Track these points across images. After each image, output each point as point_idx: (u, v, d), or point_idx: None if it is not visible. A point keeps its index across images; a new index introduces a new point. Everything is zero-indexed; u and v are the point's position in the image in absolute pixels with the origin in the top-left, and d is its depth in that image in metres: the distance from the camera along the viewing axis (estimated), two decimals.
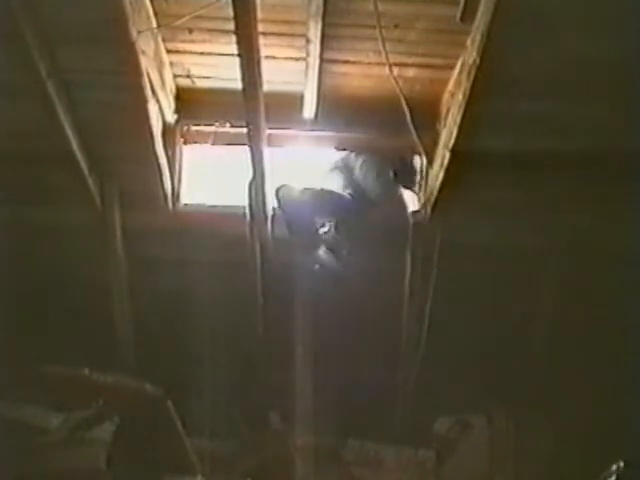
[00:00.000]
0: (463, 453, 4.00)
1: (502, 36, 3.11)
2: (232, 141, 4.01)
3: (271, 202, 3.91)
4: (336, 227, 3.86)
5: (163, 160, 3.89)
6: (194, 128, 4.08)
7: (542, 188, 3.82)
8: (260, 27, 3.28)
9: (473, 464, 3.98)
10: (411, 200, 4.04)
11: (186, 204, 4.11)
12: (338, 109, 3.91)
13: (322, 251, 3.94)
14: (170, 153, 3.97)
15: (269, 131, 3.72)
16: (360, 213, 3.85)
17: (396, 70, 3.70)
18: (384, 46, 3.55)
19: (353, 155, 3.95)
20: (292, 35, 3.58)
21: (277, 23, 3.52)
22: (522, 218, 3.97)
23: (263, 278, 4.02)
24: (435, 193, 3.90)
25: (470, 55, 3.28)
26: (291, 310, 3.87)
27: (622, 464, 3.12)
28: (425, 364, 4.25)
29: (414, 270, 4.06)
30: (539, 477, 3.89)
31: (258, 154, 3.64)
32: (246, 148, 3.67)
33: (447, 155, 3.69)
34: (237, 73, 3.33)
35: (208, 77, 3.88)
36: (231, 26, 3.15)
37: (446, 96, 3.82)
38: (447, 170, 3.74)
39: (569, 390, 3.99)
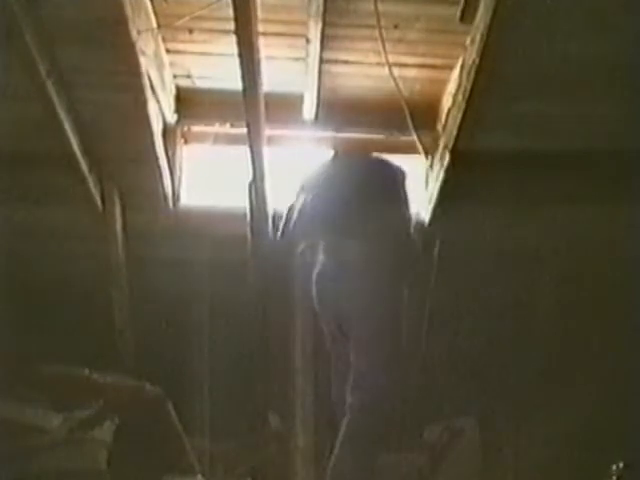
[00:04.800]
0: (455, 459, 3.99)
1: (502, 36, 3.11)
2: (232, 141, 4.01)
3: (271, 202, 3.92)
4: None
5: (163, 160, 3.89)
6: (194, 128, 4.08)
7: (542, 188, 3.82)
8: (260, 27, 3.29)
9: (467, 469, 3.97)
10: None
11: (186, 204, 4.11)
12: (338, 109, 3.92)
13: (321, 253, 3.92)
14: (170, 153, 3.98)
15: (269, 131, 3.73)
16: None
17: (396, 70, 3.71)
18: (384, 46, 3.56)
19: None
20: (292, 35, 3.59)
21: (277, 23, 3.52)
22: (522, 218, 3.97)
23: (263, 278, 4.02)
24: (435, 193, 3.90)
25: (470, 55, 3.28)
26: (291, 310, 3.86)
27: (622, 465, 3.12)
28: (425, 365, 4.25)
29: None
30: (539, 477, 3.89)
31: (258, 154, 3.65)
32: (246, 148, 3.67)
33: (447, 155, 3.69)
34: (237, 73, 3.33)
35: (208, 77, 3.88)
36: (231, 26, 3.16)
37: (446, 96, 3.82)
38: (447, 170, 3.74)
39: (569, 390, 3.99)
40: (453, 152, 3.64)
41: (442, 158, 3.77)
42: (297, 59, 3.70)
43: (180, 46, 3.69)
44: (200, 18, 3.43)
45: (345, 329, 3.52)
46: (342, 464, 3.31)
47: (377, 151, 4.08)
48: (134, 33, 3.24)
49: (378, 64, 3.69)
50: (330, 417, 3.68)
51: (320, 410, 3.82)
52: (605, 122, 3.49)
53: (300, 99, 3.90)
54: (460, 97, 3.45)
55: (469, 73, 3.31)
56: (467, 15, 3.30)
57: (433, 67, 3.77)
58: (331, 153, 4.04)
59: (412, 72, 3.78)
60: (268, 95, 3.56)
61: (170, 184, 4.01)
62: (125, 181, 3.93)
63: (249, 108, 3.47)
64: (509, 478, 3.94)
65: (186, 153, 4.13)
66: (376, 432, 3.40)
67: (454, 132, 3.58)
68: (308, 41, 3.54)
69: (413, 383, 4.09)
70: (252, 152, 3.65)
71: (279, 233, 3.81)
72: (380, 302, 3.46)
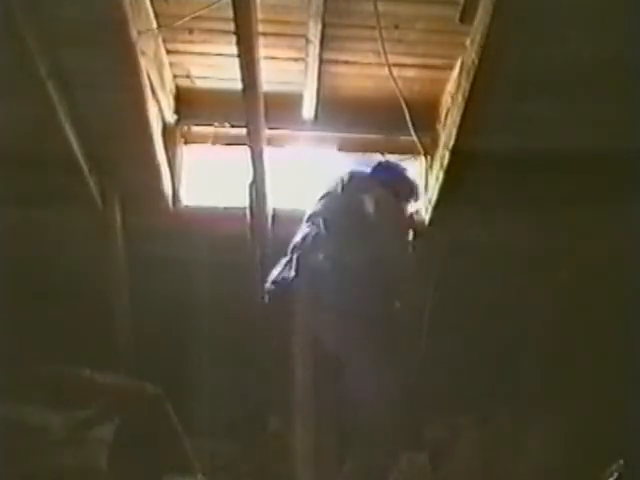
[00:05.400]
0: (457, 455, 3.99)
1: (502, 36, 3.11)
2: (232, 141, 4.02)
3: (271, 202, 3.92)
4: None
5: (163, 160, 3.90)
6: (194, 128, 4.09)
7: (542, 188, 3.82)
8: (260, 27, 3.30)
9: (468, 466, 3.97)
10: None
11: (186, 204, 4.11)
12: (338, 109, 3.92)
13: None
14: (170, 153, 3.98)
15: (269, 131, 3.73)
16: None
17: (396, 70, 3.71)
18: (384, 46, 3.56)
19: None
20: (292, 35, 3.59)
21: (277, 23, 3.53)
22: (522, 218, 3.97)
23: (263, 278, 4.02)
24: (435, 193, 3.90)
25: (469, 55, 3.28)
26: (291, 310, 3.86)
27: (622, 464, 3.11)
28: (425, 365, 4.25)
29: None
30: (539, 477, 3.89)
31: (258, 154, 3.65)
32: (246, 148, 3.68)
33: (447, 155, 3.70)
34: (237, 73, 3.34)
35: (208, 77, 3.89)
36: (231, 26, 3.17)
37: (446, 96, 3.82)
38: (447, 170, 3.74)
39: (569, 390, 3.99)
40: (453, 152, 3.64)
41: (442, 158, 3.77)
42: (297, 59, 3.70)
43: (180, 46, 3.70)
44: (200, 18, 3.44)
45: (346, 329, 3.52)
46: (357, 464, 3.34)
47: (377, 151, 4.09)
48: (134, 33, 3.24)
49: (378, 64, 3.69)
50: (331, 417, 3.68)
51: (320, 410, 3.83)
52: (605, 122, 3.49)
53: (300, 99, 3.90)
54: (460, 97, 3.45)
55: (469, 73, 3.32)
56: (467, 15, 3.30)
57: (433, 67, 3.77)
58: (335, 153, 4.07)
59: (412, 72, 3.79)
60: (268, 95, 3.57)
61: (170, 184, 4.01)
62: (125, 181, 3.93)
63: (249, 108, 3.47)
64: (509, 477, 3.95)
65: (186, 153, 4.13)
66: (382, 431, 3.41)
67: (454, 132, 3.58)
68: (308, 41, 3.55)
69: (414, 383, 4.10)
70: (252, 152, 3.65)
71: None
72: (381, 303, 3.46)
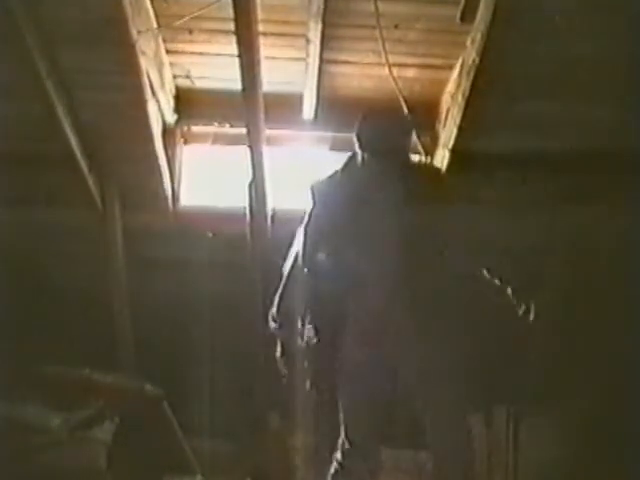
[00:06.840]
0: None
1: (502, 36, 3.11)
2: (232, 141, 4.02)
3: (271, 202, 3.92)
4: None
5: (163, 160, 3.90)
6: (194, 128, 4.09)
7: (542, 188, 3.82)
8: (260, 27, 3.30)
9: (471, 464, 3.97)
10: None
11: (186, 204, 4.11)
12: (338, 109, 3.92)
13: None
14: (170, 153, 3.98)
15: (269, 131, 3.73)
16: None
17: (396, 70, 3.71)
18: (384, 46, 3.56)
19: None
20: (292, 35, 3.59)
21: (277, 23, 3.53)
22: (522, 218, 3.97)
23: (263, 278, 4.02)
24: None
25: (470, 55, 3.28)
26: (291, 309, 3.86)
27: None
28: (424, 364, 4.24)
29: None
30: (539, 477, 3.89)
31: (258, 154, 3.65)
32: (246, 148, 3.68)
33: (447, 155, 3.70)
34: (237, 73, 3.34)
35: (208, 77, 3.89)
36: (231, 26, 3.17)
37: (446, 96, 3.82)
38: (447, 170, 3.74)
39: (569, 390, 3.99)
40: (453, 152, 3.64)
41: (442, 158, 3.77)
42: (297, 59, 3.70)
43: (180, 46, 3.70)
44: (200, 18, 3.43)
45: (345, 328, 3.52)
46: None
47: None
48: (134, 33, 3.24)
49: (378, 64, 3.69)
50: (330, 416, 3.68)
51: (319, 409, 3.83)
52: (605, 122, 3.50)
53: (300, 99, 3.90)
54: (460, 97, 3.45)
55: (469, 73, 3.32)
56: (467, 15, 3.30)
57: (433, 67, 3.77)
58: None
59: (412, 72, 3.78)
60: (268, 95, 3.57)
61: (170, 184, 4.01)
62: (125, 181, 3.93)
63: (249, 108, 3.47)
64: (510, 476, 3.95)
65: (186, 153, 4.13)
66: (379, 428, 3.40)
67: (454, 132, 3.58)
68: (308, 41, 3.54)
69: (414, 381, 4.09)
70: (252, 152, 3.65)
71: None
72: (380, 302, 3.46)
